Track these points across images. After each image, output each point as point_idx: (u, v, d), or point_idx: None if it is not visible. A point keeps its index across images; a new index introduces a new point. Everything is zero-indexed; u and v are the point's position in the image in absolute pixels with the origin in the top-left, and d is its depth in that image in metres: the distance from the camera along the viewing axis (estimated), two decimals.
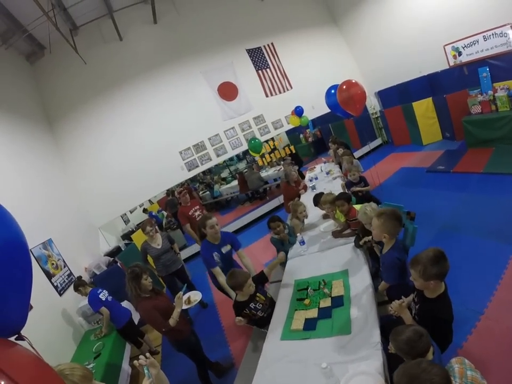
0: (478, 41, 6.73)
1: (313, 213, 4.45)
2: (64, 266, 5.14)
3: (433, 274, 1.81)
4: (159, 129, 7.80)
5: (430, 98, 8.07)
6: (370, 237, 2.84)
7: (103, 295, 4.16)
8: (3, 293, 1.15)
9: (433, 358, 1.64)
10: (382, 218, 2.35)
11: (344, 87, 4.86)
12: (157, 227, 5.19)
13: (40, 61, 7.06)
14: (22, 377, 0.89)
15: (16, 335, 1.23)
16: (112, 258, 5.90)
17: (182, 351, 3.21)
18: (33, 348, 1.17)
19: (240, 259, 3.80)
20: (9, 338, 1.18)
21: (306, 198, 5.15)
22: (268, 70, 8.96)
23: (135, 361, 1.68)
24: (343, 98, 4.86)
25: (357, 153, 9.41)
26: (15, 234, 1.25)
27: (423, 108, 8.22)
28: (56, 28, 5.62)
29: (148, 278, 2.99)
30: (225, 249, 3.65)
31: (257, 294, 2.94)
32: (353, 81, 4.97)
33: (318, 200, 4.13)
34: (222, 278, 3.34)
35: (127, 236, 8.10)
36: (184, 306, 3.31)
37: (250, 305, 2.87)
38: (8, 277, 1.17)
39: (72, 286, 4.82)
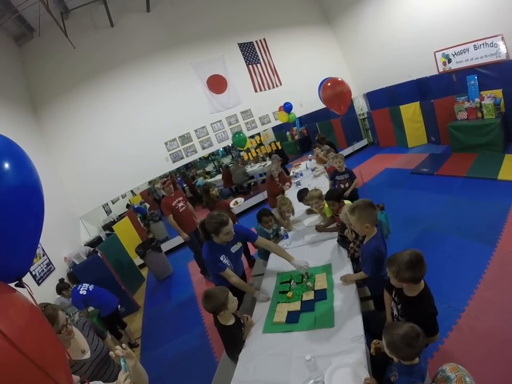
0: (468, 50, 6.82)
1: (298, 208, 4.41)
2: (43, 255, 4.98)
3: (406, 278, 1.79)
4: (145, 119, 7.65)
5: (418, 102, 8.18)
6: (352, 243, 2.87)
7: (83, 289, 4.07)
8: (17, 234, 1.12)
9: (420, 361, 1.62)
10: (356, 212, 2.35)
11: (329, 84, 4.67)
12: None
13: (28, 43, 6.81)
14: (11, 327, 0.87)
15: (17, 281, 1.18)
16: (93, 249, 5.75)
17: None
18: (32, 297, 1.12)
19: (265, 248, 3.35)
20: (10, 284, 1.14)
21: (291, 194, 5.11)
22: (258, 65, 8.90)
23: (111, 353, 1.59)
24: (327, 96, 4.70)
25: (343, 153, 9.44)
26: (34, 180, 1.25)
27: (410, 112, 8.33)
28: (47, 9, 5.43)
29: (215, 189, 4.82)
30: (235, 248, 3.16)
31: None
32: (339, 79, 4.81)
33: (302, 196, 4.12)
34: (235, 279, 2.96)
35: (108, 227, 7.94)
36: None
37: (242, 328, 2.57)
38: (24, 218, 1.15)
39: (50, 276, 4.82)
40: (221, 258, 2.94)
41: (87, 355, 2.00)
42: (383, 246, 2.43)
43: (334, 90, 4.65)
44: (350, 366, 1.81)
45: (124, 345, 1.63)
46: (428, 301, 1.87)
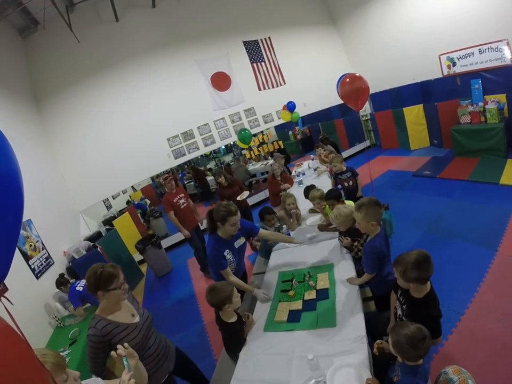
0: (473, 54, 6.81)
1: (301, 207, 4.40)
2: (43, 249, 4.98)
3: (413, 278, 1.77)
4: (147, 114, 7.64)
5: (421, 105, 8.18)
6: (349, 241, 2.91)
7: (80, 285, 4.06)
8: None
9: (424, 362, 1.62)
10: (363, 209, 2.34)
11: (348, 80, 4.71)
12: None
13: (32, 36, 6.79)
14: None
15: None
16: (92, 243, 5.75)
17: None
18: (9, 313, 0.99)
19: (268, 238, 3.53)
20: None
21: (293, 193, 5.09)
22: (262, 63, 8.89)
23: (113, 352, 1.58)
24: (345, 92, 4.73)
25: (345, 154, 9.51)
26: (11, 168, 1.04)
27: (414, 114, 8.33)
28: (52, 2, 5.43)
29: (221, 177, 5.31)
30: (239, 243, 3.14)
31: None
32: (357, 74, 4.87)
33: (308, 192, 4.10)
34: (233, 278, 2.93)
35: (108, 222, 7.94)
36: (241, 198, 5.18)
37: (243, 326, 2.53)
38: None
39: (49, 269, 4.83)
40: (225, 253, 2.93)
41: (137, 318, 2.11)
42: (385, 245, 2.42)
43: (352, 86, 4.67)
44: (352, 366, 1.81)
45: (125, 344, 1.63)
46: (433, 303, 1.86)
